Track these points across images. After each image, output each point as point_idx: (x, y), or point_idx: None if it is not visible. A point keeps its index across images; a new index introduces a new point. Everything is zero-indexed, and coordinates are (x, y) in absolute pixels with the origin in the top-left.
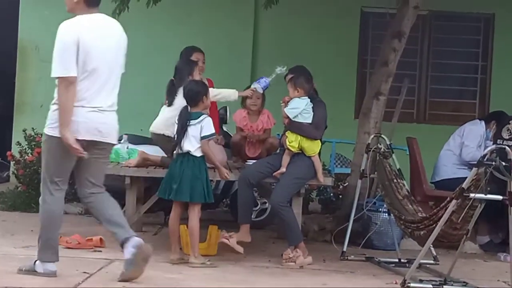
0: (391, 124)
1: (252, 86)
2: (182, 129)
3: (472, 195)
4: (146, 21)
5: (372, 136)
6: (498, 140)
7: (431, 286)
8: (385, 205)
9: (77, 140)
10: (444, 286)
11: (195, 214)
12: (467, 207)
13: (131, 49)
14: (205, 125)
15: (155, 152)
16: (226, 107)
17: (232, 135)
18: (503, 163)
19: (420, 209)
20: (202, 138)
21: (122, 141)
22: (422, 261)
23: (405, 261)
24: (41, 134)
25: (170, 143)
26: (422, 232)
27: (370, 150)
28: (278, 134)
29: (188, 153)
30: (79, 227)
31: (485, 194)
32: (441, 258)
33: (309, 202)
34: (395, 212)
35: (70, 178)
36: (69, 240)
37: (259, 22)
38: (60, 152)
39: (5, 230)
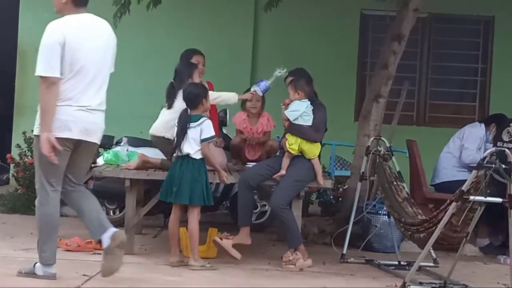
0: (391, 127)
1: (252, 89)
2: (182, 132)
3: (472, 197)
4: (146, 24)
5: (372, 139)
6: (498, 143)
7: None
8: (385, 208)
9: (65, 139)
10: None
11: (194, 216)
12: (467, 209)
13: (131, 52)
14: (205, 128)
15: (155, 154)
16: (226, 109)
17: (232, 137)
18: (503, 166)
19: (420, 211)
20: (202, 140)
21: (122, 144)
22: (422, 263)
23: (405, 263)
24: None
25: (170, 146)
26: (422, 235)
27: (370, 153)
28: (278, 137)
29: (187, 155)
30: (79, 229)
31: (485, 197)
32: (441, 260)
33: (309, 205)
34: (395, 215)
35: None
36: (68, 243)
37: (259, 25)
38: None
39: (4, 232)
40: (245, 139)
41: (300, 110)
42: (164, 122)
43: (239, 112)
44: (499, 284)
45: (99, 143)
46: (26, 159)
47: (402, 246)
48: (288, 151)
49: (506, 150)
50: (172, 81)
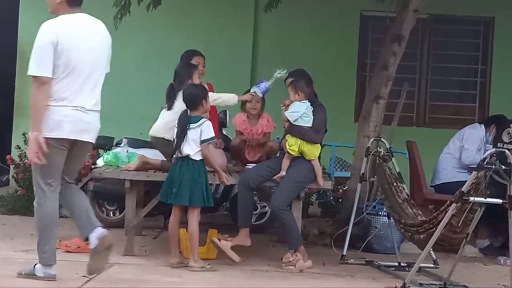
0: (391, 128)
1: (252, 90)
2: (182, 133)
3: (472, 198)
4: (146, 25)
5: (371, 140)
6: (498, 144)
7: None
8: (384, 209)
9: (62, 139)
10: None
11: (194, 217)
12: (467, 210)
13: (131, 52)
14: (205, 129)
15: (155, 155)
16: (225, 110)
17: (231, 138)
18: (503, 167)
19: (420, 212)
20: (202, 141)
21: (121, 145)
22: (422, 264)
23: (405, 264)
24: None
25: (170, 147)
26: (422, 236)
27: (369, 154)
28: (278, 138)
29: (187, 156)
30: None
31: (485, 198)
32: (441, 261)
33: (309, 206)
34: (395, 216)
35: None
36: (68, 244)
37: (259, 26)
38: (49, 152)
39: (4, 234)
40: (245, 140)
41: (300, 111)
42: (164, 123)
43: (239, 113)
44: (499, 285)
45: (94, 142)
46: (26, 160)
47: (402, 247)
48: (288, 152)
49: (506, 151)
50: (172, 82)
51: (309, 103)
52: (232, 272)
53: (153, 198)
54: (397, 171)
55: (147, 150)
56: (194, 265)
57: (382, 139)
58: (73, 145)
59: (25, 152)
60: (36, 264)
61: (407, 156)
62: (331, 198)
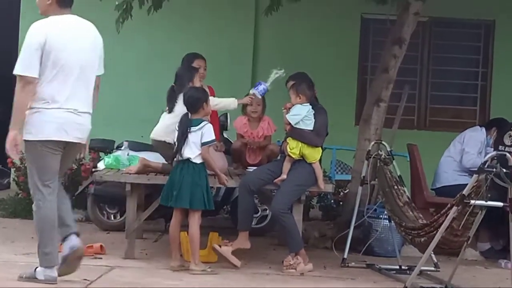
0: (392, 131)
1: (251, 92)
2: (183, 136)
3: (472, 202)
4: (147, 28)
5: (372, 143)
6: (500, 147)
7: None
8: (385, 212)
9: (56, 142)
10: None
11: (195, 221)
12: (467, 214)
13: (132, 55)
14: (205, 132)
15: (156, 159)
16: (226, 113)
17: (232, 141)
18: (504, 170)
19: (421, 215)
20: (203, 144)
21: (122, 148)
22: (423, 268)
23: (406, 268)
24: None
25: (170, 150)
26: (422, 239)
27: (370, 157)
28: (279, 141)
29: (188, 160)
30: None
31: (486, 201)
32: (442, 265)
33: (309, 209)
34: (395, 219)
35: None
36: None
37: (260, 28)
38: (43, 153)
39: (5, 237)
40: (245, 143)
41: (301, 114)
42: (165, 126)
43: (239, 117)
44: None
45: (85, 143)
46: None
47: (403, 251)
48: (289, 155)
49: (507, 154)
50: (173, 84)
51: (311, 106)
52: (233, 275)
53: (154, 201)
54: (398, 174)
55: (148, 153)
56: (195, 268)
57: (383, 142)
58: (65, 146)
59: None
60: (37, 267)
61: (408, 159)
62: (332, 201)
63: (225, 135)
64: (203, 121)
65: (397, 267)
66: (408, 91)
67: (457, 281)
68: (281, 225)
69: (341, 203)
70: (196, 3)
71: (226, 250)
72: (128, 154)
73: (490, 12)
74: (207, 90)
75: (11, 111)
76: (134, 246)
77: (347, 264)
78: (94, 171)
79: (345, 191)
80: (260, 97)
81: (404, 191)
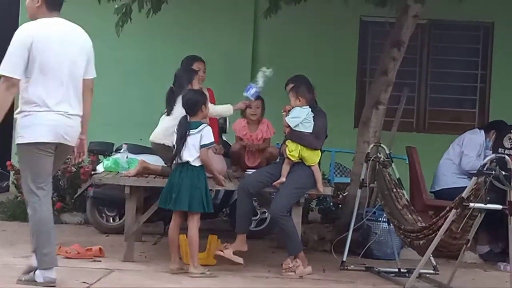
0: (391, 133)
1: (244, 95)
2: (182, 139)
3: (471, 204)
4: (146, 32)
5: (371, 145)
6: (500, 149)
7: None
8: (384, 215)
9: (48, 144)
10: None
11: (194, 223)
12: (466, 216)
13: (131, 59)
14: (204, 134)
15: (155, 161)
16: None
17: (231, 144)
18: (503, 173)
19: (420, 218)
20: (201, 146)
21: (121, 151)
22: (422, 270)
23: (405, 270)
24: None
25: (170, 153)
26: (421, 242)
27: (369, 160)
28: (278, 144)
29: (187, 162)
30: (79, 237)
31: (485, 204)
32: (441, 267)
33: (308, 212)
34: (394, 222)
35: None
36: (68, 250)
37: (258, 32)
38: (36, 156)
39: (4, 240)
40: (245, 146)
41: (301, 117)
42: (164, 129)
43: (238, 119)
44: None
45: (74, 145)
46: None
47: (402, 253)
48: (288, 158)
49: (506, 156)
50: (172, 86)
51: (310, 109)
52: (232, 278)
53: (153, 204)
54: (397, 177)
55: (147, 156)
56: (194, 271)
57: (382, 145)
58: (56, 148)
59: None
60: (36, 270)
61: (407, 162)
62: (331, 204)
63: (224, 137)
64: (202, 123)
65: (396, 270)
66: (407, 94)
67: (456, 284)
68: (280, 228)
69: (340, 205)
70: (194, 7)
71: (227, 252)
72: (127, 157)
73: (489, 15)
74: (206, 92)
75: (11, 113)
76: (133, 249)
77: (346, 267)
78: (93, 174)
79: (344, 194)
80: (253, 99)
81: (403, 194)
